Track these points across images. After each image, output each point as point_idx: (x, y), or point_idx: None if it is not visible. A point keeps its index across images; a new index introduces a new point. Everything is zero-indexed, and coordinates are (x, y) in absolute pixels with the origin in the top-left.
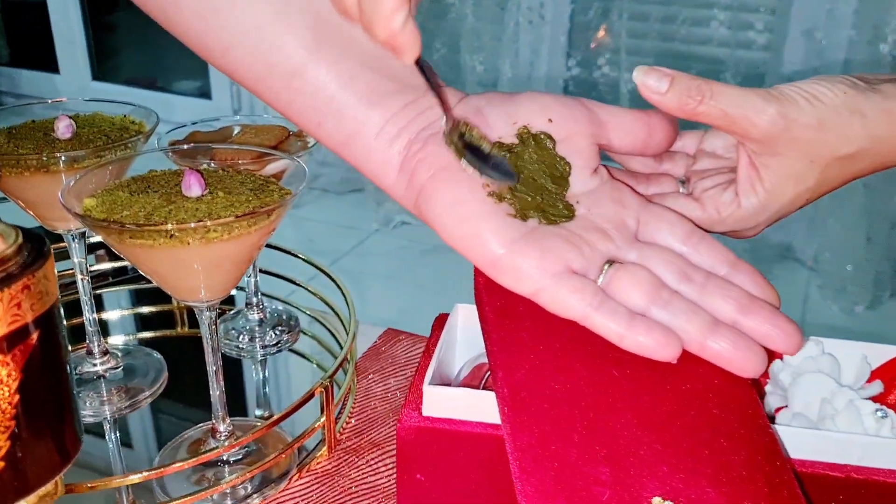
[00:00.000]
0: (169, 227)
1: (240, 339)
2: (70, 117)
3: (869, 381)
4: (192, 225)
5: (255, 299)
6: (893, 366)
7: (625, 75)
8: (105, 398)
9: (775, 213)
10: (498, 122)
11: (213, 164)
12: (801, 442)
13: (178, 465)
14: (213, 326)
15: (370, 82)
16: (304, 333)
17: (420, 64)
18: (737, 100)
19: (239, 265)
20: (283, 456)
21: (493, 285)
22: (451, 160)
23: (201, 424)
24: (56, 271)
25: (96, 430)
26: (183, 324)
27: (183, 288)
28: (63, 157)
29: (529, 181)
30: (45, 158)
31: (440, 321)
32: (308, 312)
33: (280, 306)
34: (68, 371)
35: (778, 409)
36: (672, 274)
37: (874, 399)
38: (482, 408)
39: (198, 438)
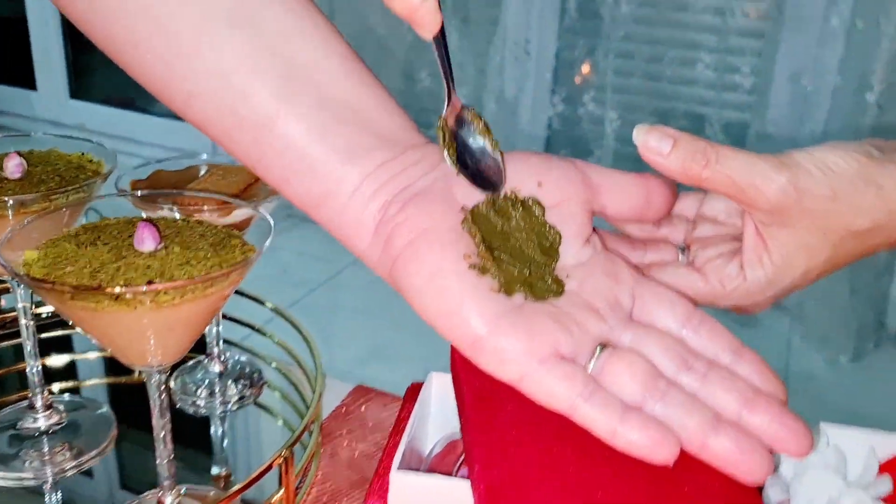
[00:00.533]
0: (117, 289)
1: (197, 394)
2: (22, 155)
3: (878, 473)
4: (143, 289)
5: (216, 349)
6: None
7: (610, 113)
8: (47, 457)
9: (785, 288)
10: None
11: (175, 210)
12: None
13: None
14: (163, 390)
15: (346, 137)
16: (269, 387)
17: (438, 39)
18: (745, 166)
19: (194, 328)
20: None
21: (470, 364)
22: (431, 226)
23: (147, 494)
24: None
25: (38, 492)
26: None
27: (131, 352)
28: (10, 202)
29: (516, 251)
30: None
31: (412, 392)
32: (273, 365)
33: (243, 357)
34: None
35: None
36: (670, 361)
37: (885, 500)
38: (456, 499)
39: None
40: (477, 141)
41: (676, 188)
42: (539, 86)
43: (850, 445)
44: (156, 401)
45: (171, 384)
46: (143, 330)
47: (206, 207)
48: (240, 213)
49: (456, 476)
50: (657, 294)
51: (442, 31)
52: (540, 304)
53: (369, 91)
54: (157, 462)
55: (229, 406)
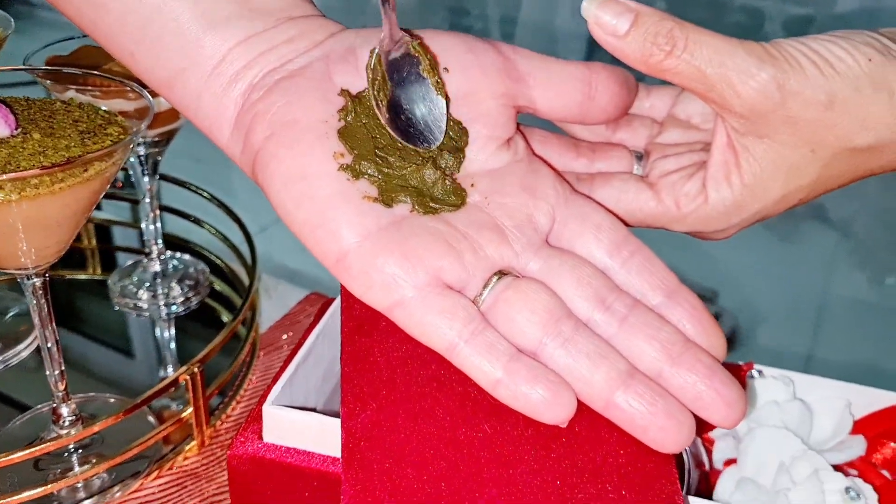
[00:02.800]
0: None
1: (138, 295)
2: None
3: (852, 433)
4: None
5: (155, 248)
6: (886, 417)
7: (658, 3)
8: None
9: (754, 215)
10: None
11: (88, 93)
12: None
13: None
14: (43, 296)
15: (200, 1)
16: (215, 286)
17: None
18: (719, 55)
19: (56, 228)
20: (137, 451)
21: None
22: (297, 117)
23: (41, 406)
24: None
25: None
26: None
27: None
28: None
29: (406, 151)
30: None
31: (324, 307)
32: (218, 261)
33: (186, 256)
34: None
35: (727, 463)
36: (584, 297)
37: (851, 464)
38: (334, 438)
39: (36, 423)
40: (418, 82)
41: (634, 83)
42: None
43: (822, 399)
44: (35, 308)
45: (110, 284)
46: None
47: (126, 90)
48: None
49: None
50: (583, 214)
51: None
52: (427, 219)
53: None
54: (47, 374)
55: (173, 308)
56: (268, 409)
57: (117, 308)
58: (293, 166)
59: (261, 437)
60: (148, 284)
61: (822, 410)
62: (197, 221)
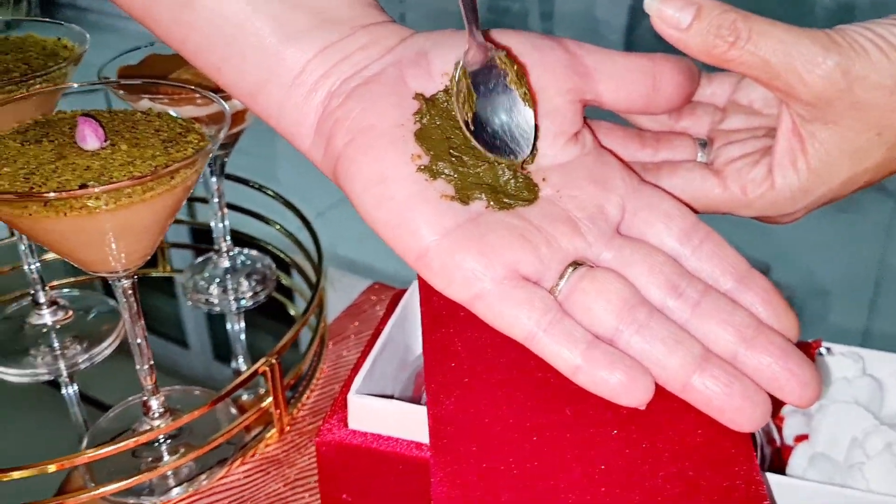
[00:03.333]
0: (51, 194)
1: (209, 291)
2: None
3: None
4: (65, 194)
5: (224, 245)
6: None
7: None
8: (58, 352)
9: (820, 198)
10: (447, 70)
11: (165, 101)
12: (820, 502)
13: (96, 452)
14: (133, 296)
15: (279, 16)
16: (282, 281)
17: None
18: (784, 45)
19: (145, 234)
20: (224, 440)
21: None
22: (374, 122)
23: (131, 399)
24: None
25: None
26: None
27: (81, 259)
28: None
29: (478, 149)
30: None
31: (396, 298)
32: (288, 258)
33: (253, 252)
34: None
35: (798, 439)
36: (657, 285)
37: None
38: (417, 424)
39: (129, 415)
40: (504, 94)
41: (697, 72)
42: None
43: (892, 375)
44: (126, 307)
45: (182, 281)
46: (84, 236)
47: (187, 98)
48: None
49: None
50: (653, 203)
51: None
52: (503, 215)
53: None
54: (137, 369)
55: (242, 302)
56: (352, 398)
57: (190, 304)
58: (372, 170)
59: (346, 425)
60: (218, 280)
61: (892, 385)
62: (264, 219)
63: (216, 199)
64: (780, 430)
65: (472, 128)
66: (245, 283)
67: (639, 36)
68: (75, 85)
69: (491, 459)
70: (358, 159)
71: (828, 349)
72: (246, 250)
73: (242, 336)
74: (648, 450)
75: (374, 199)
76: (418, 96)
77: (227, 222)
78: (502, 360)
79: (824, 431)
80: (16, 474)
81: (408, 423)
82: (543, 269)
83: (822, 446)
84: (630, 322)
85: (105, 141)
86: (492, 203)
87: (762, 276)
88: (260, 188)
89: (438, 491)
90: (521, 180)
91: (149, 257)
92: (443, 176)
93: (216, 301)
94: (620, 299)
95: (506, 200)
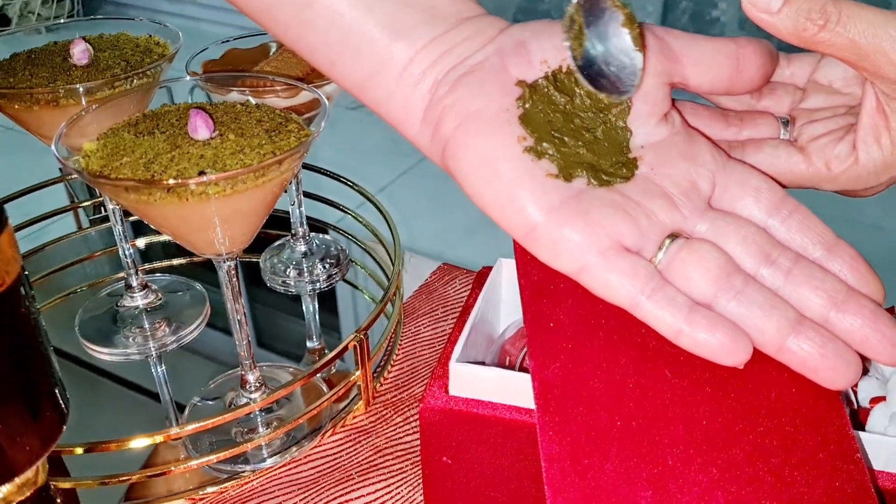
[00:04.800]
0: (170, 181)
1: (287, 273)
2: (89, 40)
3: None
4: (192, 182)
5: (300, 230)
6: None
7: None
8: (148, 333)
9: None
10: (546, 57)
11: (246, 92)
12: None
13: (201, 423)
14: (235, 276)
15: (391, 13)
16: (355, 264)
17: None
18: (872, 27)
19: (253, 217)
20: (318, 412)
21: (532, 257)
22: (481, 107)
23: (230, 372)
24: (16, 241)
25: (143, 366)
26: None
27: (195, 242)
28: (72, 90)
29: (579, 132)
30: (49, 93)
31: (481, 277)
32: (357, 242)
33: (328, 237)
34: (45, 347)
35: (874, 401)
36: (750, 254)
37: None
38: (515, 390)
39: (227, 387)
40: (616, 36)
41: (776, 53)
42: None
43: None
44: (228, 287)
45: (261, 264)
46: (200, 220)
47: (277, 89)
48: (306, 96)
49: (523, 364)
50: (742, 178)
51: None
52: (603, 191)
53: None
54: (237, 344)
55: (318, 285)
56: (454, 366)
57: (269, 285)
58: (480, 152)
59: (447, 391)
60: (295, 263)
61: None
62: (342, 209)
63: (293, 185)
64: (854, 393)
65: (580, 62)
66: (320, 267)
67: (674, 18)
68: (187, 77)
69: (596, 419)
70: (467, 142)
71: None
72: (321, 235)
73: (317, 317)
74: (746, 408)
75: (482, 179)
76: (521, 83)
77: (303, 208)
78: (601, 328)
79: None
80: (131, 443)
81: (506, 389)
82: (644, 241)
83: None
84: (727, 289)
85: (214, 131)
86: (592, 180)
87: (849, 245)
88: (334, 176)
89: (548, 449)
90: (617, 159)
91: (250, 242)
92: (546, 156)
93: (292, 283)
94: (718, 267)
95: (605, 178)
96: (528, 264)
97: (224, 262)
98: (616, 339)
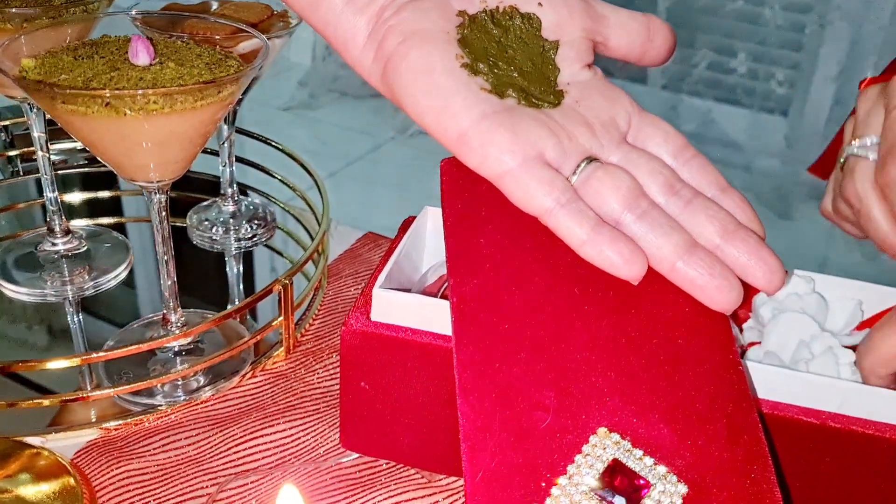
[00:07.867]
0: (106, 93)
1: (213, 231)
2: None
3: (858, 328)
4: (128, 92)
5: (229, 190)
6: None
7: None
8: (67, 278)
9: None
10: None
11: (184, 38)
12: (775, 382)
13: (119, 351)
14: (164, 212)
15: None
16: (281, 229)
17: None
18: None
19: (188, 143)
20: (237, 352)
21: (455, 187)
22: (424, 27)
23: (152, 315)
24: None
25: (60, 309)
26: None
27: (127, 165)
28: (13, 13)
29: (512, 58)
30: None
31: (407, 224)
32: (284, 207)
33: (257, 199)
34: None
35: (750, 345)
36: (657, 184)
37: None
38: (434, 316)
39: (149, 328)
40: None
41: (675, 34)
42: None
43: (838, 296)
44: (157, 224)
45: (187, 221)
46: (135, 139)
47: (215, 36)
48: (245, 46)
49: (444, 294)
50: (654, 123)
51: None
52: (531, 110)
53: None
54: (161, 283)
55: (243, 243)
56: (377, 292)
57: (194, 241)
58: (421, 64)
59: (369, 317)
60: (222, 221)
61: (836, 306)
62: (268, 171)
63: (226, 146)
64: (742, 346)
65: None
66: (247, 227)
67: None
68: (133, 12)
69: (508, 329)
70: (409, 55)
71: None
72: (250, 197)
73: (241, 277)
74: (643, 322)
75: (420, 89)
76: (461, 13)
77: (234, 169)
78: (518, 249)
79: (775, 336)
80: (49, 365)
81: (426, 315)
82: (563, 159)
83: (771, 347)
84: (633, 209)
85: (154, 59)
86: (523, 101)
87: (738, 191)
88: (266, 141)
89: (462, 355)
90: (546, 85)
91: (182, 173)
92: (482, 74)
93: (219, 240)
94: (627, 189)
95: (534, 100)
96: (451, 193)
97: (154, 193)
98: (530, 260)
